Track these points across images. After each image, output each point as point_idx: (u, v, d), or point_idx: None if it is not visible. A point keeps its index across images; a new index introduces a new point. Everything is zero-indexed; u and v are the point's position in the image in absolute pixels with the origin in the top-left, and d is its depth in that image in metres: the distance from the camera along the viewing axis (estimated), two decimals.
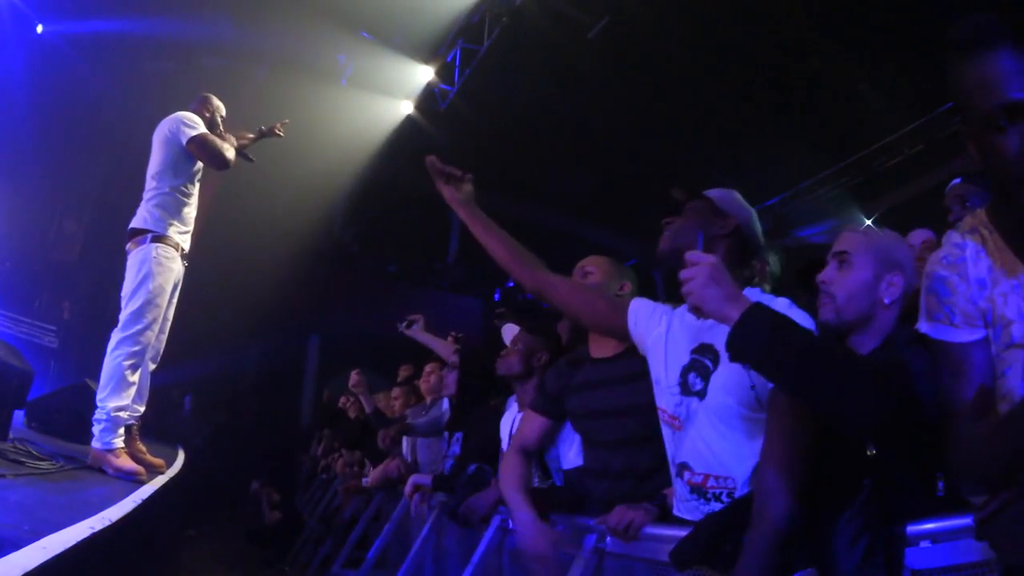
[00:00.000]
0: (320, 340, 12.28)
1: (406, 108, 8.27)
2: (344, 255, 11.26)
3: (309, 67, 7.39)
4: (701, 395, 1.59)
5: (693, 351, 1.64)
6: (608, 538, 1.95)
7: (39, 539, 1.42)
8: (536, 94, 7.83)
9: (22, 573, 1.22)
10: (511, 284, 13.06)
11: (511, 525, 2.14)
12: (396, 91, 8.05)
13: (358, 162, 8.68)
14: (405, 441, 3.95)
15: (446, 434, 3.51)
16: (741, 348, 1.22)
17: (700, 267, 1.27)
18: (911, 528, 1.16)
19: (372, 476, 4.29)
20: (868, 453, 1.31)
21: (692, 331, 1.66)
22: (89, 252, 7.79)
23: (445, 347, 3.48)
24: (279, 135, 3.66)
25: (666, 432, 1.72)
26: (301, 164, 7.90)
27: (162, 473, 2.92)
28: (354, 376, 4.34)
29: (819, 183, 10.60)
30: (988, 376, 1.08)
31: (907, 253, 1.52)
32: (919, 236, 2.59)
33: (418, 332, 3.75)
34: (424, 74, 7.77)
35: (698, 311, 1.29)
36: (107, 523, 1.76)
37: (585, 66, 7.33)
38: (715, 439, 1.56)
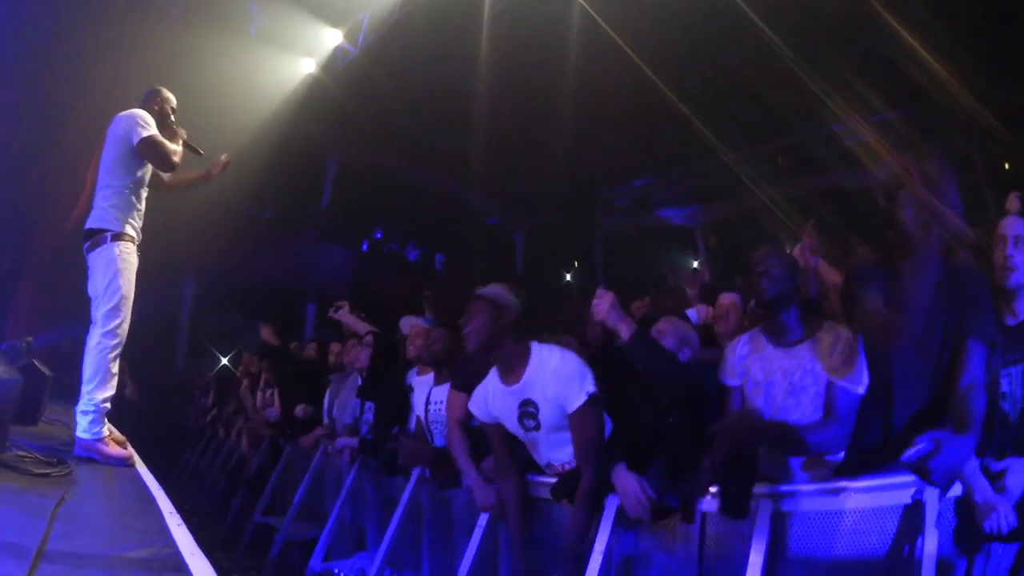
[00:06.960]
0: (195, 283, 11.98)
1: (308, 66, 8.29)
2: (223, 198, 10.96)
3: (221, 10, 7.14)
4: (537, 428, 2.40)
5: (519, 406, 2.41)
6: None
7: (174, 552, 1.75)
8: (433, 64, 8.16)
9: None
10: (379, 235, 13.35)
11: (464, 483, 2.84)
12: (300, 49, 8.04)
13: (252, 111, 8.49)
14: (326, 399, 4.41)
15: (358, 401, 4.03)
16: (631, 350, 2.18)
17: (605, 298, 2.18)
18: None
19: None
20: (668, 421, 2.21)
21: (510, 395, 2.43)
22: None
23: (367, 328, 3.93)
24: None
25: (528, 444, 2.52)
26: (193, 106, 7.59)
27: (125, 448, 3.12)
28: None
29: (686, 173, 11.52)
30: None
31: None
32: (726, 298, 3.19)
33: (344, 315, 4.17)
34: (332, 37, 7.84)
35: (603, 323, 2.18)
36: (177, 516, 2.13)
37: (480, 43, 7.72)
38: (556, 447, 2.42)
